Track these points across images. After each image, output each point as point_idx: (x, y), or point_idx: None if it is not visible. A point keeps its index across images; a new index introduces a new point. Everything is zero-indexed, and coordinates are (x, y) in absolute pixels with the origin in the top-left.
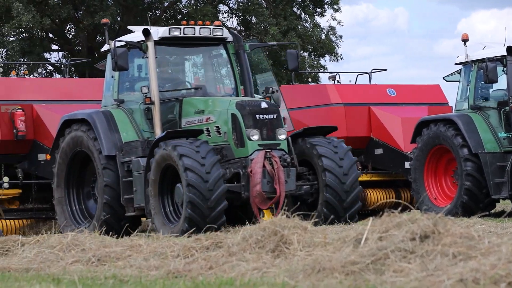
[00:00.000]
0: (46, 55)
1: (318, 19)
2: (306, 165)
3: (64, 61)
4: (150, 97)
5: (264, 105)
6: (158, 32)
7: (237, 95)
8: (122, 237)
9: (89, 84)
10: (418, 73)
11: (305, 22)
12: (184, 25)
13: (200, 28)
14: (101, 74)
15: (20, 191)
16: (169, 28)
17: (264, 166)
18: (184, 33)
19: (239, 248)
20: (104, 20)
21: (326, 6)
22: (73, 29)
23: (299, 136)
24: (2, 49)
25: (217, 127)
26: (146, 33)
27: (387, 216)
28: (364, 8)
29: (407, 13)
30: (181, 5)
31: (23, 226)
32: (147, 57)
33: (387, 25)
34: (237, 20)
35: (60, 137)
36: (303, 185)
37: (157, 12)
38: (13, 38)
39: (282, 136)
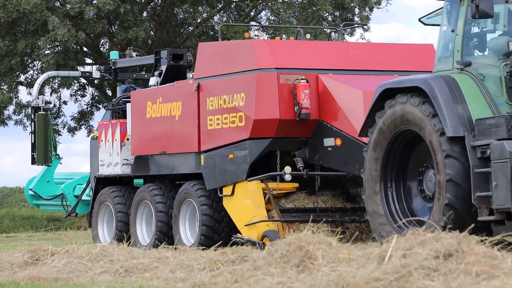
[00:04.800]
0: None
1: (348, 38)
2: None
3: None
4: None
5: None
6: None
7: None
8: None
9: (390, 50)
10: None
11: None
12: None
13: None
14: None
15: (297, 185)
16: None
17: None
18: None
19: (265, 262)
20: None
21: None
22: (107, 43)
23: None
24: (37, 62)
25: None
26: None
27: (411, 234)
28: (393, 27)
29: None
30: (213, 22)
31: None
32: None
33: None
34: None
35: (376, 111)
36: None
37: (189, 28)
38: (48, 52)
39: None
